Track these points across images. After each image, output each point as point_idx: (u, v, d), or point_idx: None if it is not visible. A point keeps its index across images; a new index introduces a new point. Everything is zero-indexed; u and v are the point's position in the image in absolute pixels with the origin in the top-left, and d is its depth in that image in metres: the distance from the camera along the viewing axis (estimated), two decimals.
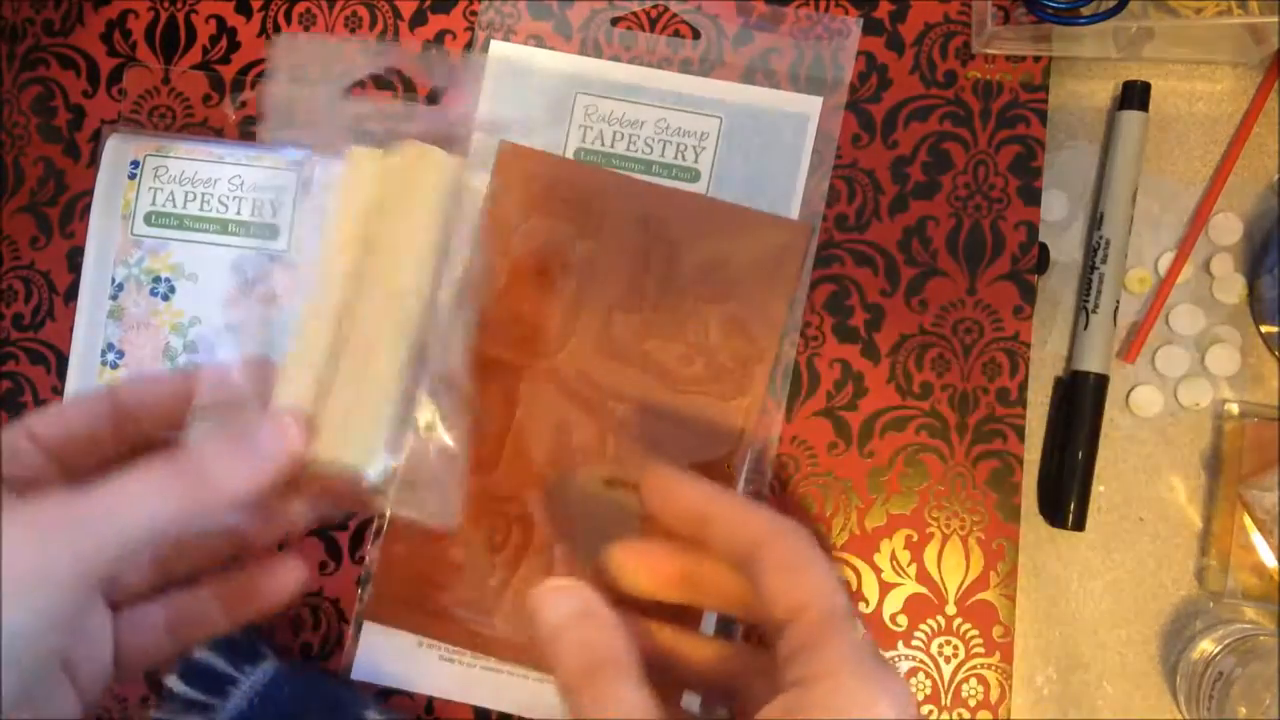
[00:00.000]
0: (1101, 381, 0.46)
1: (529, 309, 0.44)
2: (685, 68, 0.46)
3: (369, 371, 0.32)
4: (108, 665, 0.32)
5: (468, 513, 0.42)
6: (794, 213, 0.45)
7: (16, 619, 0.25)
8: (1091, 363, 0.46)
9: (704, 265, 0.43)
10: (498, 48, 0.47)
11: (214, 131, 0.49)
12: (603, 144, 0.46)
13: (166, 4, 0.49)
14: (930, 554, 0.45)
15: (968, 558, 0.45)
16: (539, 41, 0.47)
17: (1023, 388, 0.46)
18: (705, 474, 0.33)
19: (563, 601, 0.30)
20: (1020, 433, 0.45)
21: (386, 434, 0.31)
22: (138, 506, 0.27)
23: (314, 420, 0.31)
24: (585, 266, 0.44)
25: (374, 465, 0.31)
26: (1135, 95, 0.47)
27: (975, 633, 0.44)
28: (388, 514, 0.41)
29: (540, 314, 0.44)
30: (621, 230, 0.44)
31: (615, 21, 0.47)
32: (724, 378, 0.43)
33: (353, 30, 0.48)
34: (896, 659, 0.44)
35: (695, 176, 0.45)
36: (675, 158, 0.46)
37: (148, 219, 0.47)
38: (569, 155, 0.46)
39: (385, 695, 0.44)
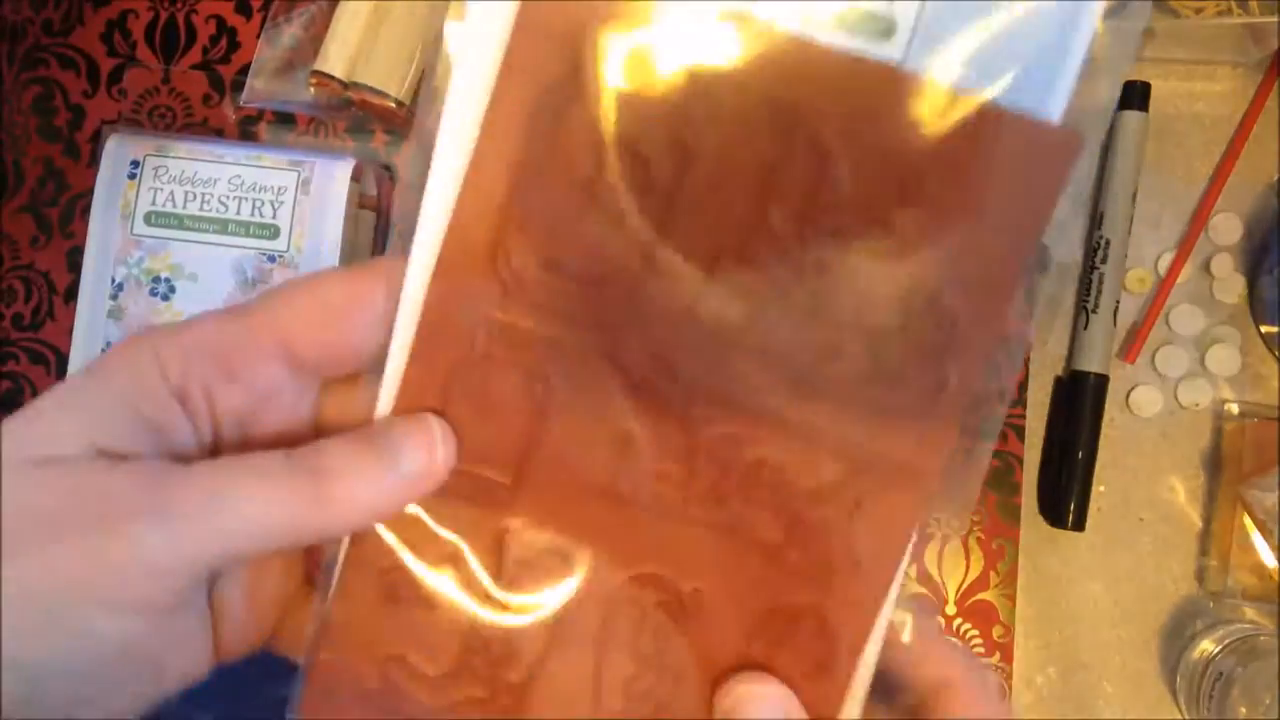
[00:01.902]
0: (1101, 381, 0.46)
1: (571, 251, 0.24)
2: None
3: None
4: (203, 661, 0.26)
5: (465, 558, 0.26)
6: (1054, 116, 0.24)
7: (98, 628, 0.21)
8: (1091, 363, 0.46)
9: (880, 198, 0.24)
10: None
11: (214, 131, 0.49)
12: None
13: (166, 4, 0.49)
14: (930, 554, 0.45)
15: (968, 558, 0.45)
16: None
17: (1023, 388, 0.46)
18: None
19: (766, 707, 0.24)
20: (1020, 433, 0.45)
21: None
22: (243, 512, 0.22)
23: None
24: (670, 186, 0.24)
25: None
26: (1135, 95, 0.47)
27: (975, 633, 0.44)
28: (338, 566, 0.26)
29: (591, 259, 0.24)
30: (734, 124, 0.24)
31: None
32: (897, 380, 0.24)
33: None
34: None
35: (888, 31, 0.23)
36: None
37: (148, 219, 0.47)
38: None
39: None
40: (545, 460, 0.25)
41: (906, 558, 0.24)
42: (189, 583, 0.22)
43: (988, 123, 0.23)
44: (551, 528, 0.25)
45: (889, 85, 0.23)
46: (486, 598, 0.25)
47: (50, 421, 0.23)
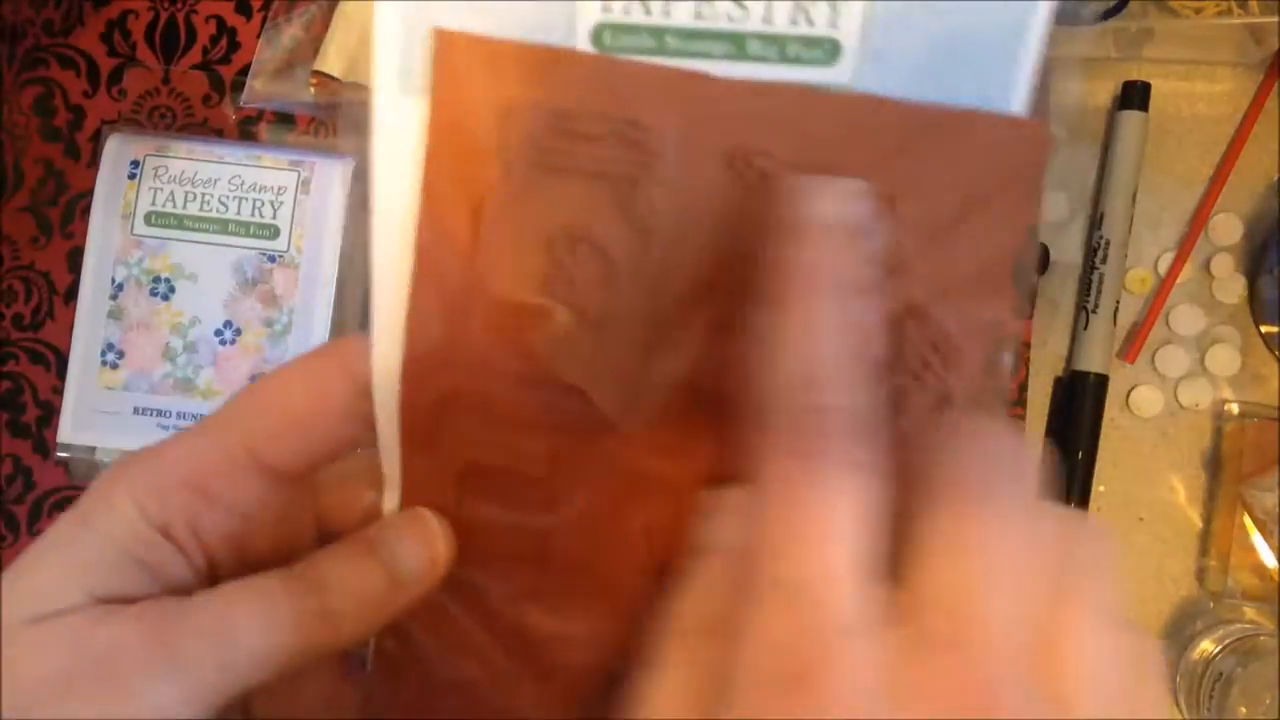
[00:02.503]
0: (1101, 381, 0.46)
1: (525, 357, 0.22)
2: None
3: None
4: None
5: (486, 651, 0.25)
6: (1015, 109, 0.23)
7: None
8: (1091, 363, 0.46)
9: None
10: None
11: (214, 131, 0.49)
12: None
13: (166, 4, 0.49)
14: None
15: None
16: None
17: (1023, 388, 0.46)
18: None
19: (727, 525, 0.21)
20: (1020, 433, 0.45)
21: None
22: (250, 644, 0.21)
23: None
24: (643, 276, 0.22)
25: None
26: (1135, 95, 0.47)
27: None
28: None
29: (570, 355, 0.23)
30: (687, 184, 0.22)
31: None
32: (899, 410, 0.23)
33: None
34: None
35: (832, 54, 0.22)
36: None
37: (148, 219, 0.47)
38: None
39: None
40: (561, 574, 0.24)
41: None
42: None
43: (950, 128, 0.22)
44: (571, 628, 0.24)
45: (841, 111, 0.22)
46: (510, 692, 0.24)
47: (42, 576, 0.22)
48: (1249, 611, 0.46)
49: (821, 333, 0.19)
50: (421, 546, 0.23)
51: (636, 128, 0.21)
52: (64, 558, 0.22)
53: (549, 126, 0.21)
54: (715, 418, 0.22)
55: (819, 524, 0.17)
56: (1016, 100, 0.23)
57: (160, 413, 0.46)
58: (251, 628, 0.22)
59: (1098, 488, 0.46)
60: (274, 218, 0.47)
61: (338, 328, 0.47)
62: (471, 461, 0.23)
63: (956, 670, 0.16)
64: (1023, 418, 0.45)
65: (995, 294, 0.23)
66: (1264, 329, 0.47)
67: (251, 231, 0.47)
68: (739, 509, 0.20)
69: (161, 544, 0.22)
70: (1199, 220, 0.48)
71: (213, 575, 0.23)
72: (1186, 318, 0.47)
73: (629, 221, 0.22)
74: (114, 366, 0.47)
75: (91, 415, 0.46)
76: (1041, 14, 0.23)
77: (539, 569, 0.24)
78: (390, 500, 0.24)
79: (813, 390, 0.18)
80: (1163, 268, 0.48)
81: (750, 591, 0.17)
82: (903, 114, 0.22)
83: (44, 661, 0.21)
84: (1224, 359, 0.47)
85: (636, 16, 0.21)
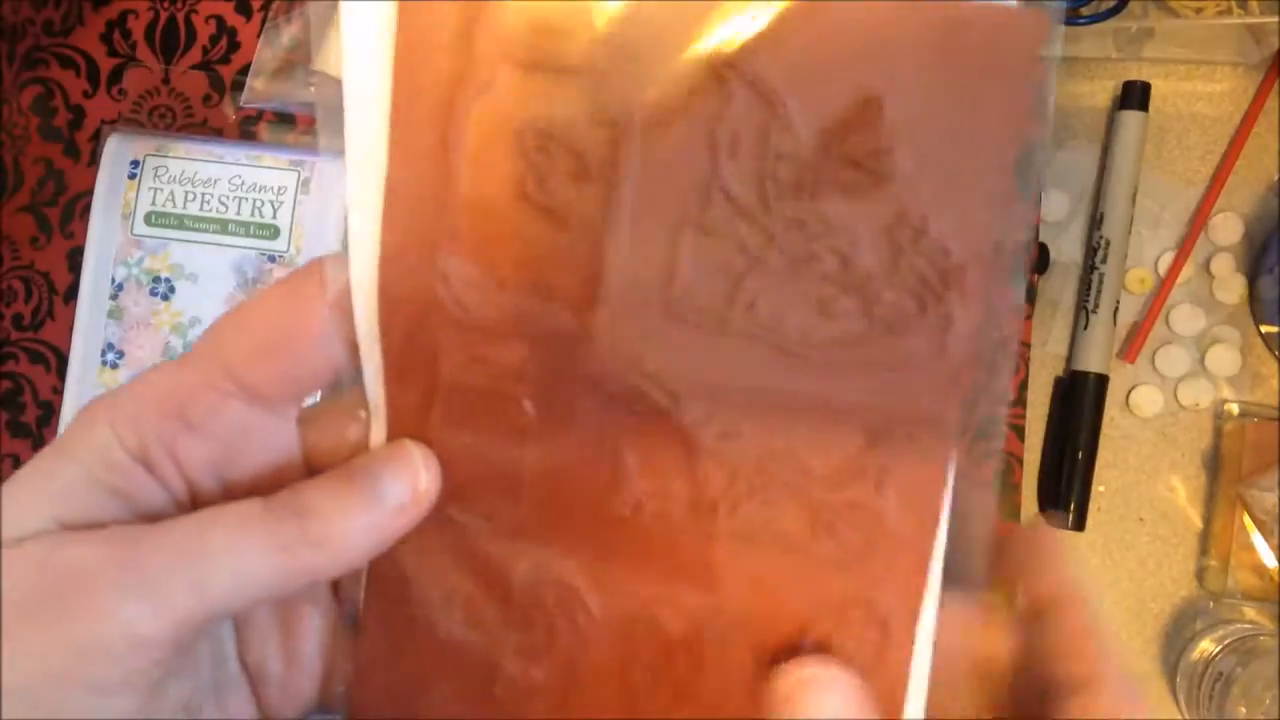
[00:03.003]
0: (1101, 381, 0.46)
1: (512, 266, 0.22)
2: None
3: None
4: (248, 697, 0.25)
5: (475, 591, 0.24)
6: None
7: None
8: (1091, 363, 0.46)
9: (837, 129, 0.21)
10: None
11: (214, 131, 0.49)
12: None
13: (166, 4, 0.49)
14: None
15: None
16: None
17: (1023, 388, 0.46)
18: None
19: (829, 696, 0.22)
20: (1020, 433, 0.45)
21: None
22: (223, 565, 0.21)
23: None
24: (607, 170, 0.21)
25: None
26: (1135, 95, 0.47)
27: None
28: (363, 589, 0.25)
29: (537, 270, 0.22)
30: (662, 86, 0.21)
31: None
32: (898, 329, 0.22)
33: None
34: None
35: None
36: None
37: (148, 219, 0.47)
38: None
39: None
40: (537, 490, 0.23)
41: (945, 518, 0.22)
42: (174, 650, 0.21)
43: (939, 21, 0.20)
44: (554, 560, 0.24)
45: (824, 10, 0.20)
46: (500, 634, 0.24)
47: (10, 504, 0.21)
48: (1249, 611, 0.46)
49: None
50: (406, 477, 0.23)
51: (610, 23, 0.20)
52: (36, 486, 0.22)
53: (519, 22, 0.21)
54: (695, 333, 0.22)
55: None
56: None
57: None
58: (226, 549, 0.21)
59: (1098, 488, 0.46)
60: (274, 218, 0.47)
61: None
62: (453, 383, 0.23)
63: None
64: (1023, 418, 0.45)
65: (998, 203, 0.21)
66: (1264, 329, 0.47)
67: (251, 231, 0.47)
68: (842, 688, 0.22)
69: (137, 472, 0.22)
70: (1199, 220, 0.48)
71: (195, 506, 0.23)
72: (1186, 318, 0.47)
73: (600, 120, 0.21)
74: (114, 366, 0.47)
75: None
76: None
77: (519, 502, 0.24)
78: (377, 430, 0.24)
79: None
80: (1163, 268, 0.48)
81: None
82: (887, 9, 0.20)
83: (11, 585, 0.20)
84: (1224, 359, 0.47)
85: None
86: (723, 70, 0.20)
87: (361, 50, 0.21)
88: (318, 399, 0.25)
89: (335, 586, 0.26)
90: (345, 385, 0.24)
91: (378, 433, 0.24)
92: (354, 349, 0.23)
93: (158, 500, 0.22)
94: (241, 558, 0.21)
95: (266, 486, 0.23)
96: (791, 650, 0.23)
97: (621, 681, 0.24)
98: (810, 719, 0.21)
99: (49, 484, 0.22)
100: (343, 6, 0.21)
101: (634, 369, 0.22)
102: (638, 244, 0.21)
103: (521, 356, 0.22)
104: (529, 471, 0.23)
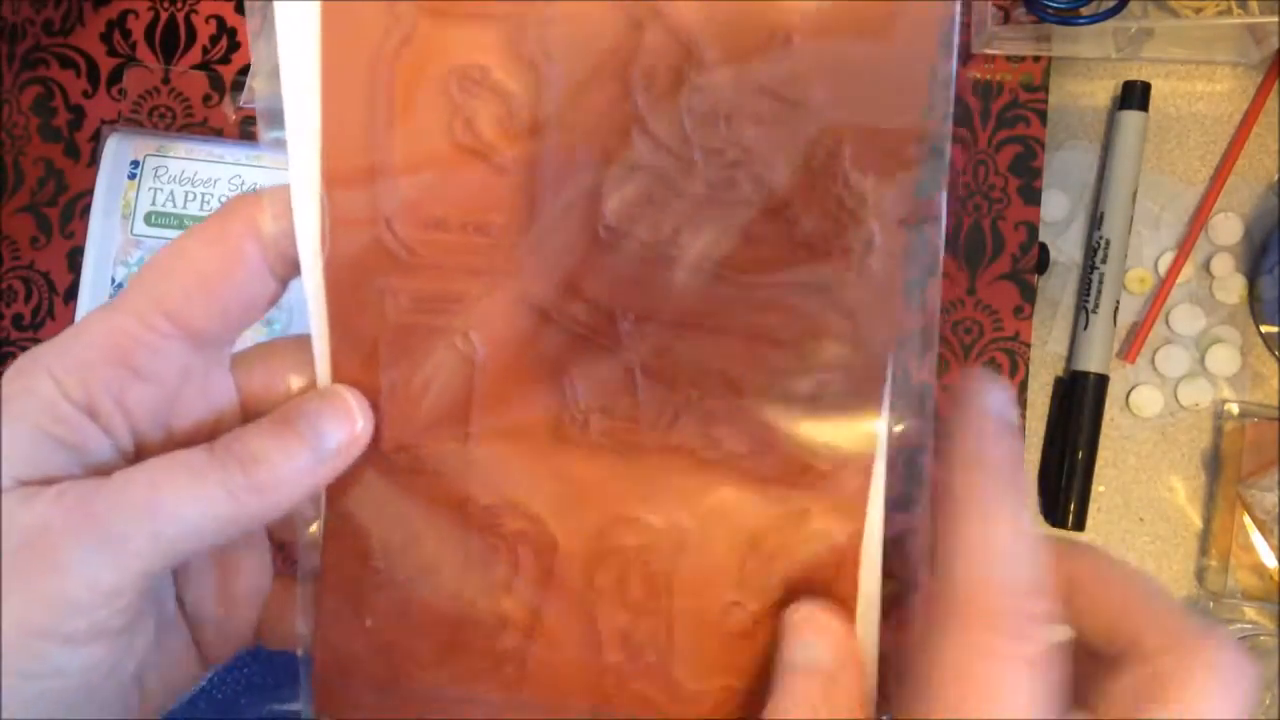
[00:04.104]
0: (1101, 381, 0.46)
1: (449, 204, 0.23)
2: None
3: None
4: (190, 671, 0.26)
5: (435, 532, 0.25)
6: None
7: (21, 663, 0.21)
8: (1091, 363, 0.46)
9: (749, 60, 0.22)
10: None
11: (214, 131, 0.49)
12: None
13: (166, 4, 0.49)
14: None
15: None
16: None
17: (1023, 388, 0.46)
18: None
19: (816, 645, 0.23)
20: (1020, 433, 0.45)
21: None
22: (177, 514, 0.22)
23: None
24: (532, 109, 0.22)
25: None
26: (1135, 95, 0.47)
27: None
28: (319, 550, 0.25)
29: (472, 207, 0.23)
30: (575, 25, 0.22)
31: None
32: (821, 249, 0.22)
33: None
34: None
35: None
36: None
37: (148, 219, 0.47)
38: None
39: None
40: (488, 419, 0.24)
41: (883, 435, 0.23)
42: (137, 598, 0.22)
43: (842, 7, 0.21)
44: (510, 488, 0.24)
45: None
46: (463, 570, 0.25)
47: None
48: (1249, 611, 0.46)
49: (1025, 538, 0.21)
50: (343, 422, 0.24)
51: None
52: None
53: None
54: (625, 261, 0.23)
55: None
56: None
57: None
58: (179, 499, 0.22)
59: (1098, 488, 0.46)
60: None
61: None
62: (398, 325, 0.24)
63: None
64: (1022, 417, 0.45)
65: (909, 122, 0.22)
66: (1264, 329, 0.47)
67: None
68: (829, 632, 0.23)
69: (84, 422, 0.22)
70: (1199, 220, 0.48)
71: (139, 455, 0.23)
72: (1186, 318, 0.47)
73: (520, 63, 0.22)
74: None
75: None
76: None
77: (469, 438, 0.24)
78: (320, 373, 0.24)
79: (1028, 599, 0.20)
80: (1163, 268, 0.48)
81: None
82: None
83: None
84: (1224, 359, 0.47)
85: None
86: (637, 13, 0.21)
87: (292, 22, 0.22)
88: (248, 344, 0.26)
89: (269, 529, 0.26)
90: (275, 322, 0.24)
91: (321, 376, 0.24)
92: (285, 284, 0.24)
93: (105, 452, 0.23)
94: (194, 506, 0.22)
95: (206, 431, 0.24)
96: (740, 566, 0.24)
97: (584, 603, 0.25)
98: (797, 660, 0.23)
99: None
100: None
101: (571, 295, 0.23)
102: (564, 179, 0.22)
103: (463, 291, 0.23)
104: (477, 403, 0.24)
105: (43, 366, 0.22)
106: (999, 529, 0.21)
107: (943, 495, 0.22)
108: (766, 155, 0.22)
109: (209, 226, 0.24)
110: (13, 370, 0.22)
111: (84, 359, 0.22)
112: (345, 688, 0.26)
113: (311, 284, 0.24)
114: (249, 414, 0.25)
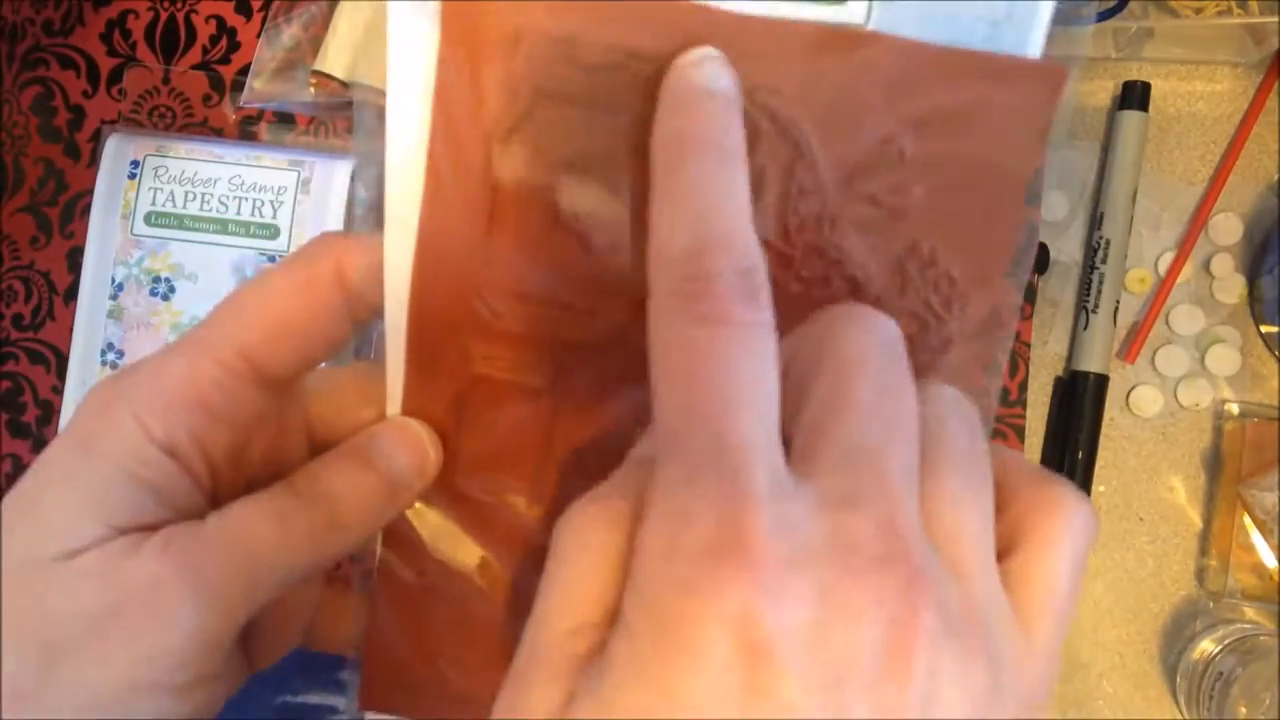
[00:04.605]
0: (1101, 381, 0.46)
1: (543, 281, 0.23)
2: None
3: None
4: (238, 681, 0.26)
5: (491, 563, 0.26)
6: (1031, 51, 0.23)
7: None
8: (1091, 363, 0.46)
9: (859, 168, 0.22)
10: None
11: (214, 131, 0.49)
12: None
13: (166, 4, 0.49)
14: None
15: None
16: None
17: (1023, 388, 0.46)
18: None
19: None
20: (1020, 433, 0.45)
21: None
22: (270, 562, 0.22)
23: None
24: (644, 191, 0.21)
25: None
26: (1135, 95, 0.47)
27: None
28: (377, 558, 0.26)
29: (564, 273, 0.23)
30: None
31: None
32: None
33: None
34: None
35: None
36: None
37: (148, 219, 0.47)
38: None
39: None
40: (557, 470, 0.25)
41: None
42: (233, 642, 0.23)
43: (963, 69, 0.22)
44: None
45: (853, 49, 0.21)
46: (514, 596, 0.25)
47: (56, 511, 0.21)
48: (1249, 611, 0.46)
49: (710, 195, 0.18)
50: (412, 452, 0.24)
51: (638, 59, 0.21)
52: (74, 489, 0.22)
53: (556, 55, 0.21)
54: None
55: (722, 393, 0.17)
56: (1033, 43, 0.23)
57: None
58: (270, 546, 0.22)
59: (1098, 488, 0.46)
60: (274, 218, 0.47)
61: None
62: (476, 375, 0.24)
63: (868, 524, 0.16)
64: (1023, 418, 0.45)
65: (1000, 241, 0.23)
66: (1264, 329, 0.47)
67: (251, 231, 0.47)
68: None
69: (167, 464, 0.22)
70: (1199, 220, 0.48)
71: (215, 491, 0.23)
72: (1186, 318, 0.47)
73: (630, 153, 0.22)
74: (114, 366, 0.47)
75: None
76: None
77: (534, 477, 0.25)
78: (392, 408, 0.24)
79: (705, 256, 0.18)
80: (1163, 268, 0.48)
81: (663, 468, 0.17)
82: (914, 54, 0.21)
83: (78, 599, 0.21)
84: (1224, 359, 0.47)
85: None
86: (750, 109, 0.21)
87: (405, 67, 0.22)
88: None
89: None
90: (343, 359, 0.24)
91: (393, 407, 0.24)
92: (361, 328, 0.24)
93: (185, 491, 0.23)
94: (282, 553, 0.22)
95: (276, 461, 0.24)
96: None
97: None
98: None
99: (88, 485, 0.22)
100: (391, 18, 0.21)
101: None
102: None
103: (547, 358, 0.24)
104: (549, 458, 0.25)
105: (124, 404, 0.22)
106: (690, 193, 0.19)
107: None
108: (863, 257, 0.22)
109: (294, 269, 0.23)
110: (95, 404, 0.22)
111: (166, 400, 0.22)
112: (392, 690, 0.26)
113: (394, 326, 0.23)
114: (316, 442, 0.25)
